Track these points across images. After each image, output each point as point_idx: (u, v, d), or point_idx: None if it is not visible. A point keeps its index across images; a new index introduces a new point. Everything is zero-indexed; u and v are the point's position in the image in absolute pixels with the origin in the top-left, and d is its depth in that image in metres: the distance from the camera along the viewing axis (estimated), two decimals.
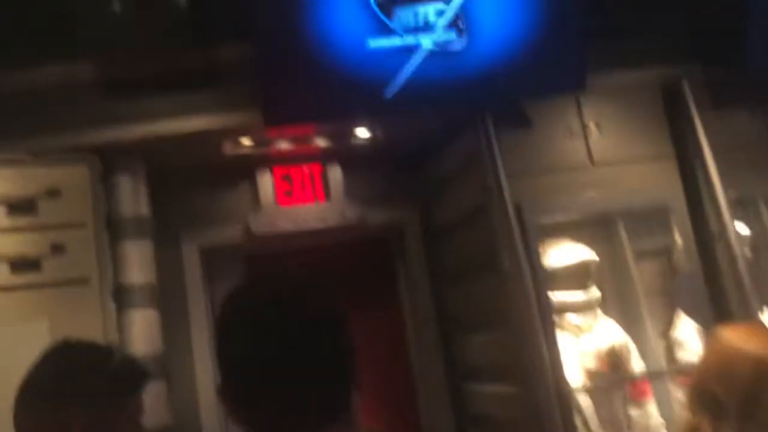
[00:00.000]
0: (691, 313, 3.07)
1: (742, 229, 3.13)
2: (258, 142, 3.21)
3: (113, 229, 2.84)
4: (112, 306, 2.73)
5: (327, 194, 3.46)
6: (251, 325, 1.05)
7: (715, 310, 2.97)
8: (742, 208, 3.25)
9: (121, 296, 2.80)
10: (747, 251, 3.12)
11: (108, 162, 2.87)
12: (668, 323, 3.24)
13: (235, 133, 3.01)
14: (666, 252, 3.29)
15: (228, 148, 3.13)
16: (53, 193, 2.67)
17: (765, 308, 3.05)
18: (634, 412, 3.06)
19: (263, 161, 3.39)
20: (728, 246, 2.95)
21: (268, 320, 1.04)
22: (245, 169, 3.37)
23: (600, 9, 3.01)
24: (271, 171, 3.42)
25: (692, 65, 3.11)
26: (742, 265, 2.91)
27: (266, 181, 3.40)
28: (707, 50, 3.10)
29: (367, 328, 3.78)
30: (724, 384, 1.24)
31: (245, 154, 3.23)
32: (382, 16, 2.63)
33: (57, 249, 2.64)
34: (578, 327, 3.09)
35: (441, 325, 3.59)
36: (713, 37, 3.08)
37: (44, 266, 2.62)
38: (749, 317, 2.85)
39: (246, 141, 3.14)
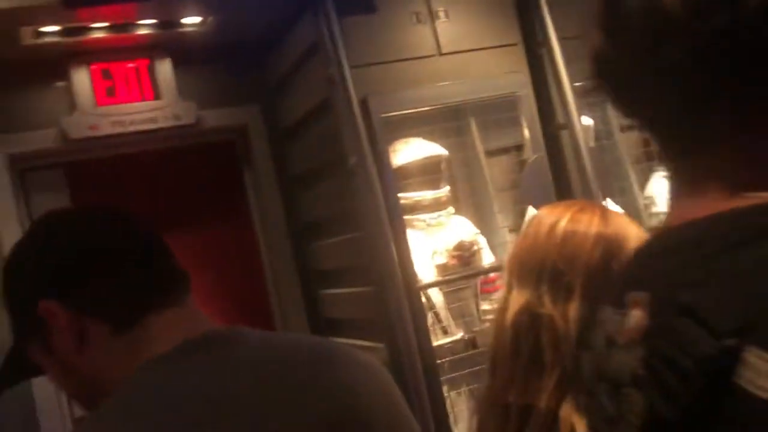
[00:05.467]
0: (536, 203, 3.07)
1: (586, 119, 3.13)
2: (67, 31, 2.77)
3: None
4: None
5: (156, 92, 3.09)
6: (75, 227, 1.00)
7: (560, 200, 2.99)
8: (587, 97, 3.25)
9: None
10: (591, 141, 3.14)
11: None
12: (519, 218, 3.24)
13: (32, 17, 2.56)
14: (516, 147, 3.26)
15: (27, 37, 2.67)
16: None
17: (608, 198, 3.11)
18: (485, 305, 3.08)
19: (78, 55, 2.96)
20: (573, 136, 2.94)
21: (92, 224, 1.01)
22: (55, 64, 2.93)
23: None
24: (88, 66, 3.00)
25: None
26: (586, 156, 2.92)
27: (82, 78, 2.98)
28: None
29: (214, 238, 3.56)
30: (568, 262, 1.14)
31: (52, 45, 2.79)
32: None
33: None
34: (430, 225, 3.01)
35: (292, 230, 3.42)
36: None
37: None
38: None
39: (49, 29, 2.69)
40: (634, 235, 1.16)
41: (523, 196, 3.07)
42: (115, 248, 0.96)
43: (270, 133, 3.38)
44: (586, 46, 0.65)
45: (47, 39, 2.74)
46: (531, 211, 3.17)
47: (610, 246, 1.14)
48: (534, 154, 3.07)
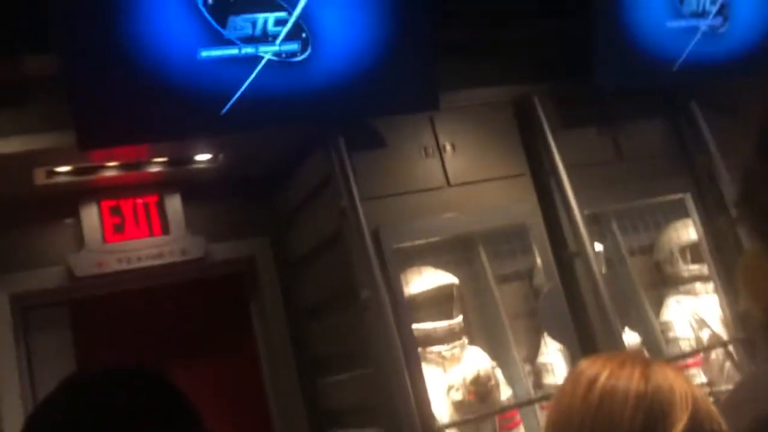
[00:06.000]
0: (554, 335, 2.98)
1: (596, 245, 3.11)
2: (79, 171, 2.80)
3: None
4: None
5: (165, 227, 3.08)
6: None
7: (578, 330, 2.91)
8: (596, 224, 3.25)
9: None
10: (603, 267, 3.11)
11: None
12: (534, 347, 3.15)
13: (46, 159, 2.59)
14: (527, 273, 3.22)
15: (40, 178, 2.69)
16: None
17: (625, 326, 3.03)
18: None
19: (87, 192, 2.97)
20: (587, 264, 2.90)
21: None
22: (65, 202, 2.93)
23: (449, 26, 2.92)
24: (98, 203, 3.00)
25: (542, 83, 3.09)
26: (601, 283, 2.87)
27: (91, 215, 2.98)
28: (556, 68, 3.09)
29: (219, 372, 3.42)
30: (607, 429, 1.04)
31: (64, 184, 2.81)
32: (215, 24, 2.35)
33: None
34: (444, 358, 2.91)
35: (300, 365, 3.30)
36: (562, 54, 3.07)
37: None
38: (611, 335, 2.81)
39: (62, 169, 2.72)
40: (681, 391, 1.06)
41: (540, 328, 3.00)
42: (138, 409, 0.91)
43: (278, 266, 3.34)
44: (738, 167, 0.64)
45: (59, 178, 2.77)
46: (548, 341, 3.09)
47: (652, 408, 1.02)
48: (547, 281, 3.03)
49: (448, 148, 2.97)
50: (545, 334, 3.11)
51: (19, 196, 2.79)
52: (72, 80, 2.22)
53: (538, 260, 3.05)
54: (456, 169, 2.95)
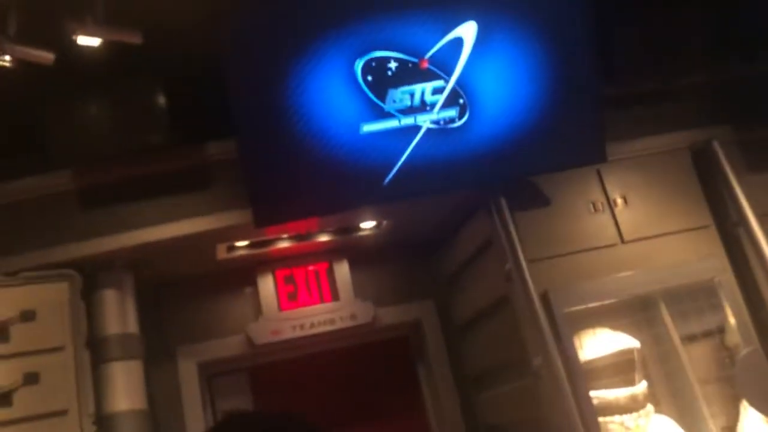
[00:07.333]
0: (756, 404, 2.65)
1: None
2: (255, 244, 2.98)
3: (96, 350, 2.57)
4: None
5: (334, 294, 3.18)
6: None
7: None
8: None
9: (106, 427, 2.49)
10: None
11: (90, 277, 2.64)
12: (733, 416, 2.81)
13: (227, 236, 2.78)
14: (718, 333, 2.91)
15: (222, 253, 2.89)
16: (27, 315, 2.43)
17: None
18: None
19: (263, 263, 3.15)
20: None
21: None
22: (244, 273, 3.13)
23: (617, 75, 2.79)
24: (273, 273, 3.16)
25: (722, 126, 2.85)
26: None
27: (267, 285, 3.14)
28: (737, 111, 2.84)
29: None
30: None
31: (242, 257, 2.99)
32: (375, 99, 2.42)
33: (30, 378, 2.36)
34: (628, 428, 2.68)
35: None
36: (743, 96, 2.83)
37: (15, 399, 2.33)
38: None
39: (241, 243, 2.90)
40: None
41: (738, 394, 2.68)
42: None
43: (444, 328, 3.30)
44: None
45: (238, 252, 2.95)
46: (748, 409, 2.75)
47: None
48: (743, 342, 2.72)
49: (620, 201, 2.81)
50: (743, 400, 2.78)
51: (204, 270, 3.01)
52: (248, 164, 2.38)
53: (731, 319, 2.76)
54: (630, 224, 2.77)
